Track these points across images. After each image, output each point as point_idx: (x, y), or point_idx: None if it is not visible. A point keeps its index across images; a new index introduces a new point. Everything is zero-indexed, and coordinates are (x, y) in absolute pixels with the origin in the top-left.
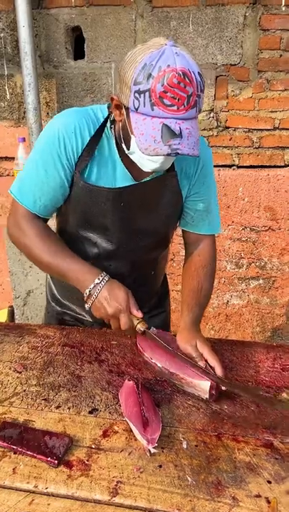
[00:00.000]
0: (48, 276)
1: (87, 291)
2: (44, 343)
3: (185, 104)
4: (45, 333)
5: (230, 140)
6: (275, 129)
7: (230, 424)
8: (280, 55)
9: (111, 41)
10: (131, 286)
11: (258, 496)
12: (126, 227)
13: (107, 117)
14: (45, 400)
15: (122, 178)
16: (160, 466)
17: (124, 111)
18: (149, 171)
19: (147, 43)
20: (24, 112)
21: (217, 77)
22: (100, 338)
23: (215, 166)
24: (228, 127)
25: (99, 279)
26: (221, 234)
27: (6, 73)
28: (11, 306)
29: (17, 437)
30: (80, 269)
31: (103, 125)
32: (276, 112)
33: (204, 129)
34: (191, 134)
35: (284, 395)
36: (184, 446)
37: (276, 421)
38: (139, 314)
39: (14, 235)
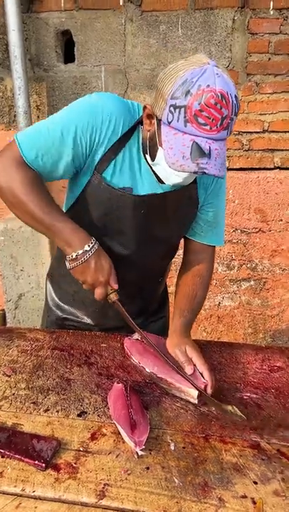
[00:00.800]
0: (48, 282)
1: (74, 254)
2: (34, 346)
3: (218, 125)
4: (34, 337)
5: None
6: (264, 131)
7: (217, 426)
8: (269, 59)
9: (101, 45)
10: (139, 292)
11: (244, 496)
12: (142, 234)
13: (141, 119)
14: (33, 403)
15: (147, 181)
16: (147, 468)
17: (155, 121)
18: (171, 184)
19: (190, 59)
20: (15, 116)
21: None
22: (90, 341)
23: None
24: None
25: (89, 246)
26: None
27: None
28: (3, 310)
29: (5, 441)
30: (72, 230)
31: (136, 124)
32: (265, 114)
33: None
34: (220, 155)
35: (229, 407)
36: (172, 448)
37: (263, 422)
38: (116, 286)
39: (1, 178)
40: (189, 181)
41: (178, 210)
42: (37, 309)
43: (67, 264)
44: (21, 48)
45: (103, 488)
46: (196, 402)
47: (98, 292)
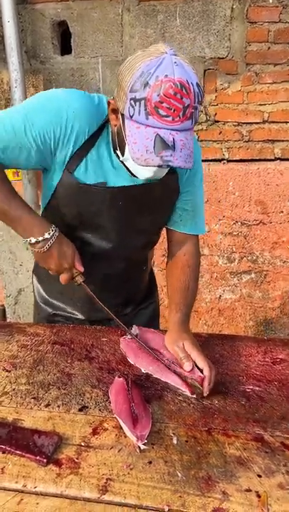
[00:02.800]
0: (35, 279)
1: (33, 239)
2: (34, 341)
3: (180, 115)
4: (34, 332)
5: (219, 134)
6: (264, 122)
7: (220, 419)
8: (268, 48)
9: (98, 36)
10: (125, 283)
11: (248, 490)
12: (122, 226)
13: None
14: (34, 398)
15: (121, 175)
16: (150, 463)
17: (120, 116)
18: (143, 178)
19: (148, 50)
20: None
21: (205, 70)
22: (90, 335)
23: (205, 161)
24: (218, 121)
25: (49, 233)
26: (213, 228)
27: None
28: (2, 305)
29: (6, 437)
30: (32, 218)
31: (106, 121)
32: (265, 105)
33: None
34: (185, 146)
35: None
36: (174, 441)
37: (266, 415)
38: (81, 269)
39: None
40: (161, 175)
41: (158, 200)
42: None
43: (30, 249)
44: (17, 40)
45: (105, 483)
46: (194, 396)
47: (63, 278)
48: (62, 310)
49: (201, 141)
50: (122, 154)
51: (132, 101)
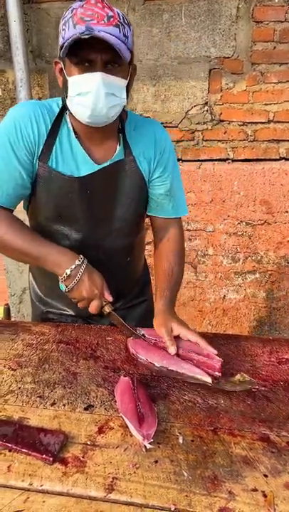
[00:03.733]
0: (31, 277)
1: (68, 271)
2: (39, 340)
3: (105, 20)
4: (40, 330)
5: (224, 133)
6: (269, 121)
7: (226, 419)
8: (274, 47)
9: None
10: (107, 274)
11: (255, 490)
12: (94, 215)
13: (63, 107)
14: (40, 397)
15: (84, 164)
16: (156, 462)
17: (62, 66)
18: (88, 115)
19: None
20: None
21: (211, 70)
22: (96, 334)
23: (210, 160)
24: (223, 121)
25: (79, 260)
26: (217, 228)
27: None
28: (7, 304)
29: (12, 435)
30: (58, 253)
31: (60, 115)
32: (270, 104)
33: (198, 123)
34: (111, 37)
35: (237, 376)
36: (180, 441)
37: (272, 414)
38: (110, 298)
39: None
40: (100, 104)
41: (123, 186)
42: None
43: (62, 286)
44: (23, 40)
45: (111, 481)
46: (210, 382)
47: (94, 305)
48: (54, 307)
49: (206, 140)
50: (67, 96)
51: (63, 26)
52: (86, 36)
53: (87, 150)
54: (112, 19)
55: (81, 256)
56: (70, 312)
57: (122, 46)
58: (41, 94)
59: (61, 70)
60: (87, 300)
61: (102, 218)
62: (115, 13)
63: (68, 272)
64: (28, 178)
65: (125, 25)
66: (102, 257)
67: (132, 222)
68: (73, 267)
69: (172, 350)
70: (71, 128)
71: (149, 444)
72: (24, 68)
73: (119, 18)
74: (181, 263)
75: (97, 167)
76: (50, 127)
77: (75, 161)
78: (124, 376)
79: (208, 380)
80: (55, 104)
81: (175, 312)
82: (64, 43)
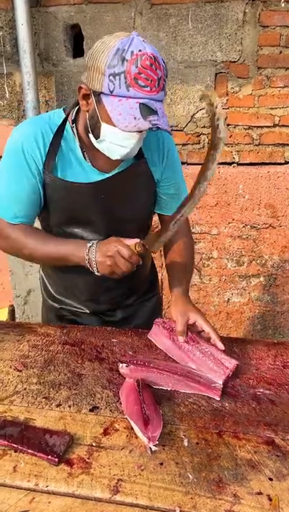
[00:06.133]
0: (42, 274)
1: (86, 257)
2: (44, 341)
3: (156, 86)
4: (45, 332)
5: (230, 137)
6: (275, 125)
7: (231, 422)
8: (280, 52)
9: None
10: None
11: (260, 493)
12: (109, 217)
13: (65, 119)
14: (45, 398)
15: (92, 174)
16: (161, 464)
17: (92, 99)
18: (118, 158)
19: (114, 34)
20: (23, 111)
21: (217, 74)
22: (101, 336)
23: None
24: (228, 124)
25: (89, 243)
26: (222, 231)
27: (5, 72)
28: (12, 305)
29: (18, 435)
30: (72, 247)
31: (61, 128)
32: (276, 108)
33: (204, 127)
34: (164, 113)
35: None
36: (185, 443)
37: (277, 418)
38: (132, 241)
39: (2, 245)
40: (135, 151)
41: (136, 187)
42: None
43: (96, 273)
44: (30, 43)
45: (117, 483)
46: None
47: (121, 264)
48: (69, 305)
49: None
50: (97, 137)
51: (110, 77)
52: (149, 127)
53: (94, 159)
54: (160, 82)
55: (90, 241)
56: (85, 310)
57: (165, 115)
58: (48, 97)
59: (88, 97)
60: (116, 266)
61: (116, 220)
62: (162, 70)
63: (87, 258)
64: (42, 194)
65: (166, 79)
66: None
67: (143, 221)
68: (86, 251)
69: (181, 339)
70: (76, 139)
71: (154, 446)
72: (31, 71)
73: (164, 73)
74: (192, 257)
75: (106, 175)
76: (51, 139)
77: (83, 171)
78: (130, 378)
79: (216, 397)
80: (57, 117)
81: (190, 300)
82: (110, 89)
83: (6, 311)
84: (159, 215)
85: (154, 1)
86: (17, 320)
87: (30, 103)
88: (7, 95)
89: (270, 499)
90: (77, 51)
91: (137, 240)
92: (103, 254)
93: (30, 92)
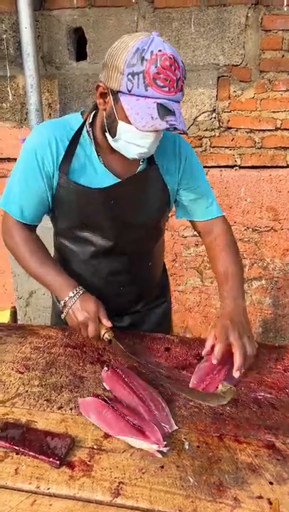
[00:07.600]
0: None
1: (62, 302)
2: (46, 343)
3: (175, 86)
4: (47, 334)
5: (232, 140)
6: (277, 129)
7: (232, 425)
8: (282, 56)
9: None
10: (130, 278)
11: (260, 497)
12: (120, 223)
13: (83, 124)
14: (47, 400)
15: (106, 178)
16: (162, 467)
17: (110, 98)
18: (135, 157)
19: (134, 34)
20: (26, 113)
21: (219, 77)
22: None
23: (217, 167)
24: (230, 128)
25: (73, 292)
26: None
27: (8, 74)
28: (14, 307)
29: (19, 438)
30: (60, 282)
31: (78, 132)
32: (278, 112)
33: (206, 130)
34: (181, 114)
35: (219, 387)
36: (186, 447)
37: (278, 422)
38: (108, 324)
39: (6, 241)
40: (152, 151)
41: (147, 194)
42: (48, 307)
43: (62, 316)
44: (33, 46)
45: (118, 486)
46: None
47: (89, 329)
48: None
49: (214, 147)
50: (113, 136)
51: (129, 76)
52: (166, 127)
53: (109, 163)
54: (179, 82)
55: (78, 287)
56: None
57: (182, 116)
58: (51, 99)
59: (105, 95)
60: (82, 325)
61: (127, 225)
62: (180, 71)
63: (63, 303)
64: (50, 197)
65: (184, 80)
66: (126, 262)
67: (154, 228)
68: (67, 298)
69: (204, 352)
70: (93, 143)
71: (165, 447)
72: (34, 74)
73: (182, 74)
74: (235, 260)
75: (118, 179)
76: (67, 144)
77: (96, 176)
78: (95, 396)
79: (155, 447)
80: (75, 121)
81: (242, 311)
82: (128, 88)
83: (8, 313)
84: (191, 223)
85: (157, 4)
86: (19, 322)
87: (33, 106)
88: (10, 98)
89: (270, 503)
90: (80, 54)
91: (110, 326)
92: (77, 310)
93: (34, 94)
